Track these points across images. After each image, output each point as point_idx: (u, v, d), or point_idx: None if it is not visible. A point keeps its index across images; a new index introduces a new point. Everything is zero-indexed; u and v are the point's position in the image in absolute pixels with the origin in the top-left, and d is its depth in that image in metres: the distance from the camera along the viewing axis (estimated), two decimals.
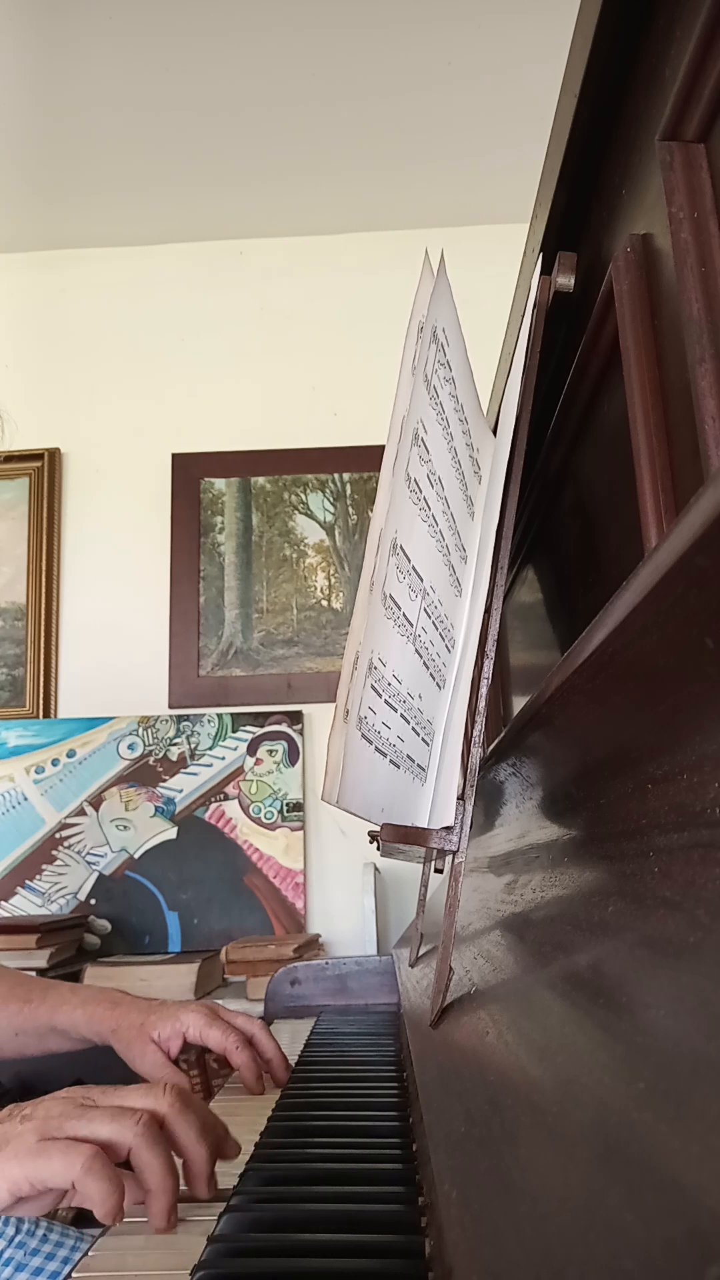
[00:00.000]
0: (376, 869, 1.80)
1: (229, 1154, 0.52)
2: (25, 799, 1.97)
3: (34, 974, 1.56)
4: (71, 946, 1.74)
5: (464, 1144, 0.32)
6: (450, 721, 0.54)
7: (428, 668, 0.52)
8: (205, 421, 2.15)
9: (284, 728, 1.99)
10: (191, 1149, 0.49)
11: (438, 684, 0.54)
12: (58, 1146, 0.43)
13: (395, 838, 0.47)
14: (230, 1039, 0.72)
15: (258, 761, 1.97)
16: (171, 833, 1.94)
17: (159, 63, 1.76)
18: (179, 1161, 0.49)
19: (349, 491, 2.12)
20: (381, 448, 0.51)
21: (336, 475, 2.12)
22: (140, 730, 1.99)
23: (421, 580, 0.50)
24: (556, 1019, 0.30)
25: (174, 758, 1.98)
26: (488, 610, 0.52)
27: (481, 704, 0.51)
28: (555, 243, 0.60)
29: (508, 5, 1.65)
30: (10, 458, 2.14)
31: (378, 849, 0.66)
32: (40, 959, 1.58)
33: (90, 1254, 0.44)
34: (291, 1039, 0.93)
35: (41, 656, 2.07)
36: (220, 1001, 1.55)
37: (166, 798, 1.96)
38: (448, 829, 0.49)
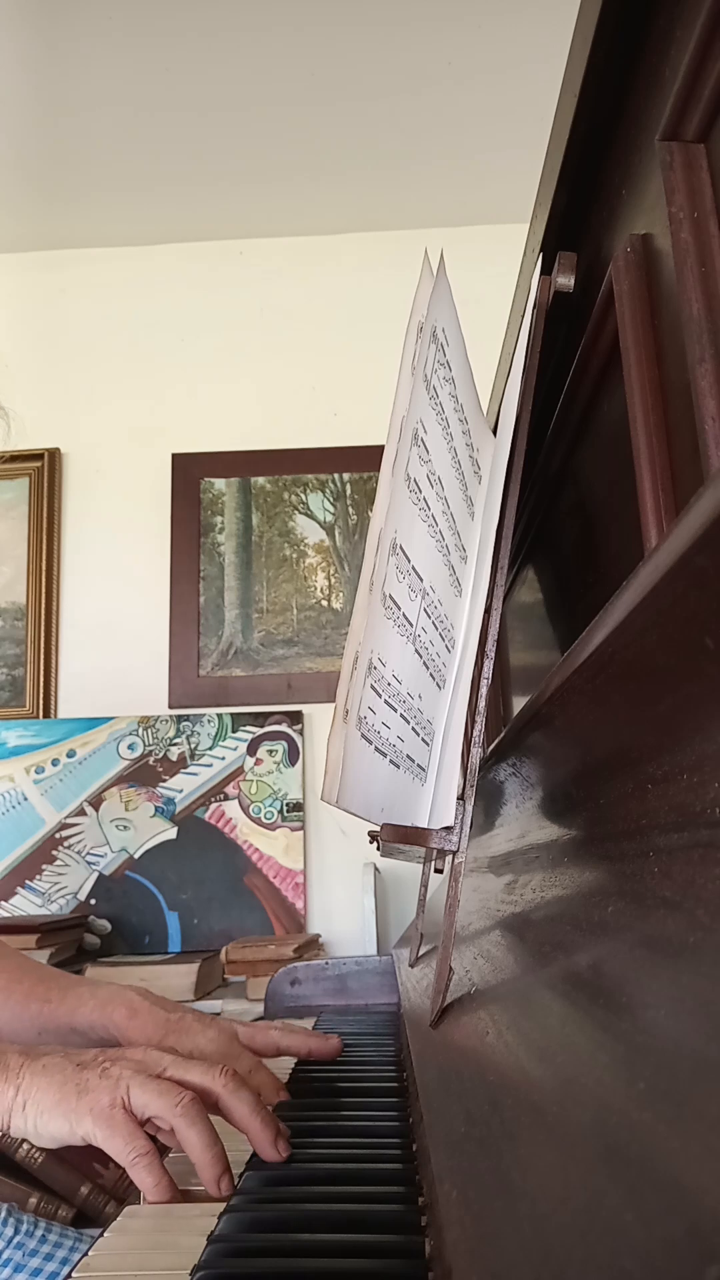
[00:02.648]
0: (376, 869, 1.80)
1: (282, 1131, 0.55)
2: (25, 799, 1.97)
3: None
4: (71, 946, 1.74)
5: (464, 1144, 0.32)
6: (450, 721, 0.54)
7: (428, 668, 0.52)
8: (205, 421, 2.15)
9: (284, 728, 1.99)
10: (246, 1121, 0.53)
11: (438, 684, 0.54)
12: (124, 1128, 0.50)
13: (395, 838, 0.47)
14: (275, 1036, 0.72)
15: (258, 761, 1.97)
16: (171, 833, 1.94)
17: (159, 63, 1.76)
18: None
19: (349, 491, 2.12)
20: (381, 448, 0.51)
21: (336, 475, 2.12)
22: (140, 730, 1.99)
23: (421, 580, 0.50)
24: (556, 1019, 0.30)
25: (174, 758, 1.98)
26: (488, 610, 0.52)
27: (481, 704, 0.51)
28: (555, 243, 0.60)
29: (508, 5, 1.65)
30: (10, 458, 2.14)
31: (378, 849, 0.66)
32: (40, 959, 1.58)
33: (90, 1254, 0.44)
34: None
35: (41, 656, 2.07)
36: (220, 1002, 1.55)
37: (166, 798, 1.96)
38: (448, 829, 0.49)
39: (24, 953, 1.56)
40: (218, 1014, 1.53)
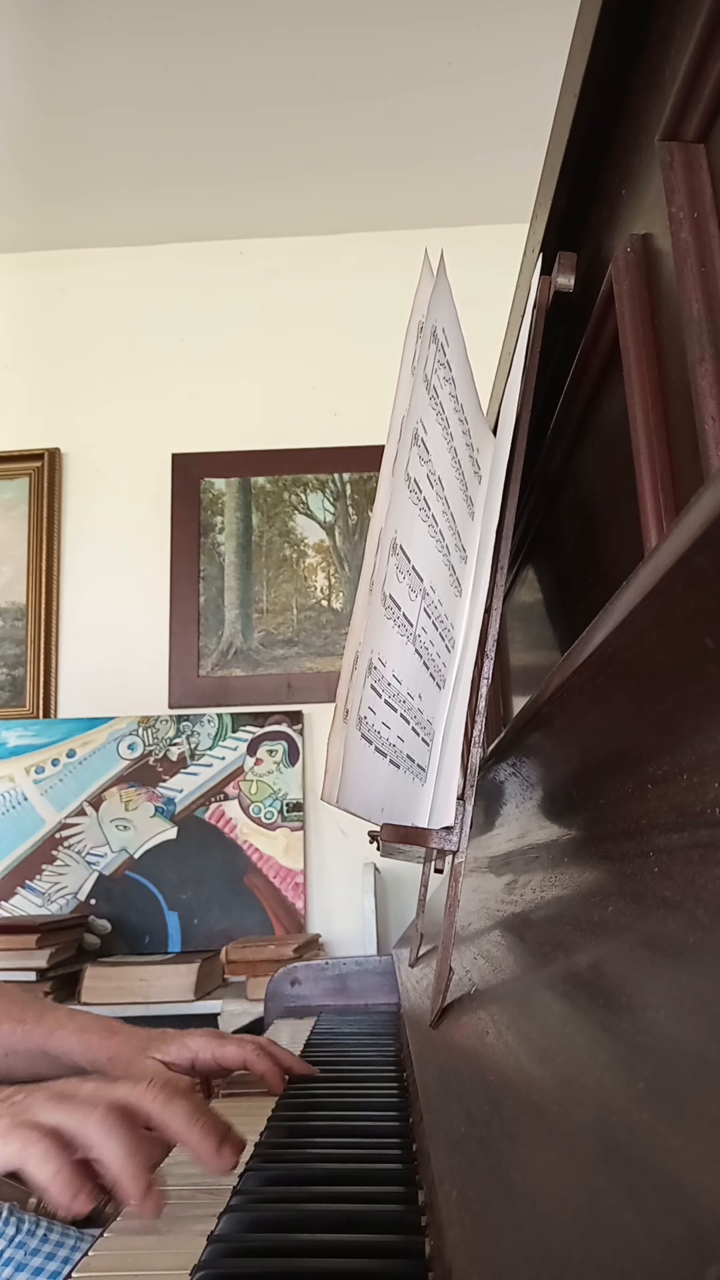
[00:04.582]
0: (376, 869, 1.80)
1: (231, 1137, 0.50)
2: (25, 799, 1.97)
3: (34, 975, 1.57)
4: (71, 946, 1.74)
5: (464, 1144, 0.32)
6: (450, 721, 0.54)
7: (428, 668, 0.52)
8: (205, 421, 2.16)
9: (284, 728, 1.99)
10: (183, 1133, 0.48)
11: (438, 684, 0.54)
12: (18, 1133, 0.45)
13: (395, 838, 0.47)
14: (247, 1049, 0.71)
15: (258, 761, 1.97)
16: (171, 833, 1.94)
17: (159, 63, 1.76)
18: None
19: (349, 491, 2.12)
20: (381, 448, 0.51)
21: (336, 475, 2.12)
22: (140, 730, 1.99)
23: (421, 580, 0.50)
24: (556, 1019, 0.30)
25: (174, 758, 1.98)
26: (488, 610, 0.52)
27: (481, 704, 0.51)
28: (555, 243, 0.59)
29: (508, 5, 1.65)
30: (10, 458, 2.14)
31: (378, 849, 0.66)
32: (40, 959, 1.58)
33: (90, 1254, 0.44)
34: (291, 1039, 0.93)
35: (41, 656, 2.07)
36: (220, 1002, 1.55)
37: (166, 798, 1.96)
38: (448, 829, 0.49)
39: (23, 953, 1.57)
40: (217, 1014, 1.54)
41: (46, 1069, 0.77)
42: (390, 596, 0.47)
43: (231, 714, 2.00)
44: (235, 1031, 0.81)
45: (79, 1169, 0.44)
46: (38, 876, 1.92)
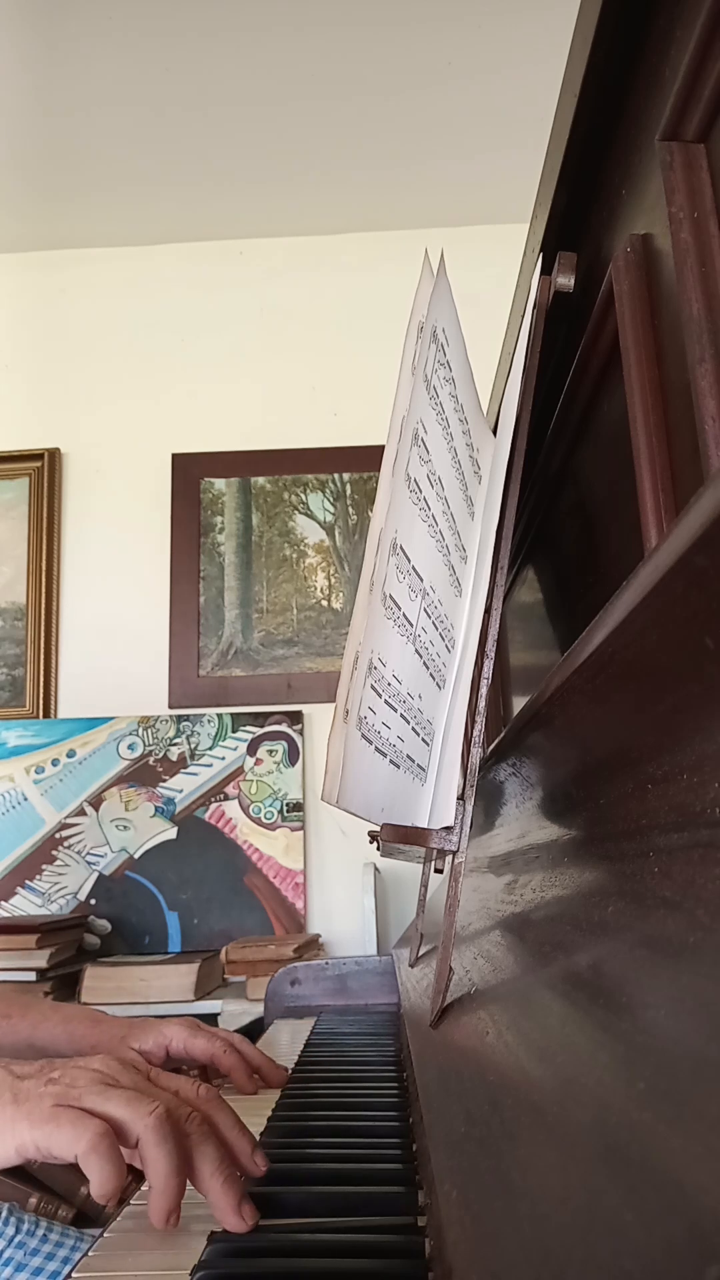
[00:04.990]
0: (376, 869, 1.80)
1: (254, 1172, 0.48)
2: (25, 799, 1.97)
3: (34, 975, 1.57)
4: (71, 946, 1.74)
5: (464, 1144, 0.32)
6: (450, 721, 0.54)
7: (428, 668, 0.52)
8: (205, 421, 2.16)
9: (284, 728, 1.99)
10: (206, 1180, 0.44)
11: (438, 684, 0.54)
12: (69, 1116, 0.43)
13: (395, 838, 0.47)
14: (216, 1044, 0.71)
15: (258, 761, 1.97)
16: (171, 833, 1.94)
17: (159, 63, 1.76)
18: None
19: (349, 491, 2.12)
20: (381, 448, 0.51)
21: (336, 475, 2.12)
22: (140, 730, 1.99)
23: (421, 580, 0.50)
24: (556, 1019, 0.30)
25: (174, 758, 1.98)
26: (488, 610, 0.52)
27: (481, 704, 0.51)
28: (555, 243, 0.60)
29: (508, 5, 1.65)
30: (10, 458, 2.14)
31: (378, 849, 0.66)
32: (40, 959, 1.58)
33: (90, 1254, 0.44)
34: (291, 1039, 0.93)
35: (41, 656, 2.07)
36: (220, 1002, 1.55)
37: (166, 798, 1.96)
38: (448, 829, 0.49)
39: (23, 953, 1.57)
40: (218, 1014, 1.54)
41: (31, 1059, 0.77)
42: (390, 596, 0.47)
43: (231, 714, 2.00)
44: (236, 1031, 0.81)
45: (117, 1145, 0.43)
46: (38, 876, 1.92)
